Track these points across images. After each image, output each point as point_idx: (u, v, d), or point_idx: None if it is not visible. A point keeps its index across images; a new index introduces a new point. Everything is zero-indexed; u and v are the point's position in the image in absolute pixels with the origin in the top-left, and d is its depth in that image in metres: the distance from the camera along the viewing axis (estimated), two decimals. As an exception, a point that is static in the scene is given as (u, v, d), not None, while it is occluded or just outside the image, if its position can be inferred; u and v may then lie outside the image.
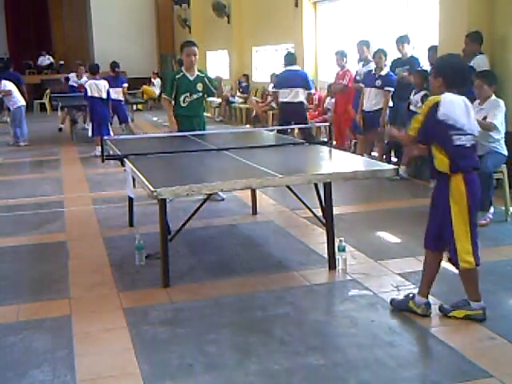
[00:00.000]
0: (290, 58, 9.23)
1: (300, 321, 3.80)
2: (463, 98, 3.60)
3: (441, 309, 3.76)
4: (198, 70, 6.82)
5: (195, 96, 6.74)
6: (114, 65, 12.73)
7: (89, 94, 10.49)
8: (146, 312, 3.98)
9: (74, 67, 17.53)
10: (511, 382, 3.04)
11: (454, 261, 3.63)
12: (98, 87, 10.51)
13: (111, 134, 10.26)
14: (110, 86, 10.90)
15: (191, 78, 6.70)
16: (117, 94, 11.73)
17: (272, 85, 9.64)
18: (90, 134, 10.76)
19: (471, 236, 3.53)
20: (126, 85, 12.45)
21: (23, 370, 3.30)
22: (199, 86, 6.72)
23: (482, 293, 3.71)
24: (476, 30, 7.03)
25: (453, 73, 3.61)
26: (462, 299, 3.74)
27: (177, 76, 6.75)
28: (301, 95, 8.96)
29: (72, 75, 15.14)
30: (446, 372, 3.16)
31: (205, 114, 7.16)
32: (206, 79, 6.79)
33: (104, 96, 10.52)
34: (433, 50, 7.98)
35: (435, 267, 3.73)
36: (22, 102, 12.35)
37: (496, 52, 7.19)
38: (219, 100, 16.27)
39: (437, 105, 3.49)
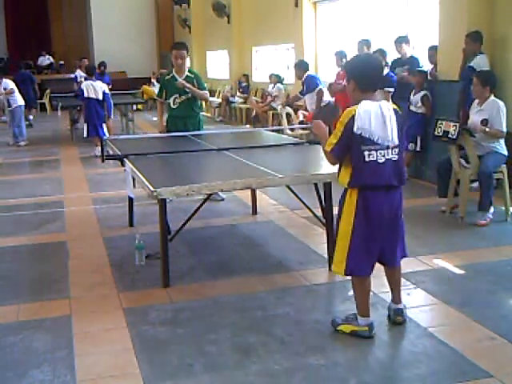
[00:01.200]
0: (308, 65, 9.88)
1: (300, 321, 3.80)
2: (380, 104, 3.37)
3: (332, 322, 3.65)
4: (189, 71, 6.85)
5: (184, 97, 6.73)
6: (101, 64, 13.41)
7: (85, 94, 10.53)
8: (146, 312, 3.98)
9: (74, 66, 17.57)
10: (511, 382, 3.04)
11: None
12: (94, 88, 10.57)
13: (106, 134, 10.26)
14: None
15: (179, 80, 6.71)
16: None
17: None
18: (85, 134, 10.77)
19: (349, 248, 3.42)
20: (109, 86, 12.42)
21: (23, 370, 3.30)
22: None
23: (480, 292, 3.71)
24: (476, 29, 7.03)
25: (363, 74, 3.40)
26: (353, 312, 3.62)
27: (166, 77, 6.85)
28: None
29: (78, 72, 15.20)
30: (446, 372, 3.16)
31: (204, 114, 7.15)
32: (195, 80, 6.78)
33: (100, 97, 10.57)
34: (433, 49, 7.99)
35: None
36: (21, 101, 12.38)
37: (496, 52, 7.19)
38: (219, 100, 16.28)
39: (353, 118, 3.29)
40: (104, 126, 10.70)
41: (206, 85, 7.00)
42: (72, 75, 16.20)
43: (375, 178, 3.34)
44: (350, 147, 3.33)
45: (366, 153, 3.30)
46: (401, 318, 3.65)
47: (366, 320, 3.54)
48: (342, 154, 3.38)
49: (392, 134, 3.34)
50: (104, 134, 10.07)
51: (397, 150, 3.37)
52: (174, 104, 6.78)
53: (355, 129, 3.28)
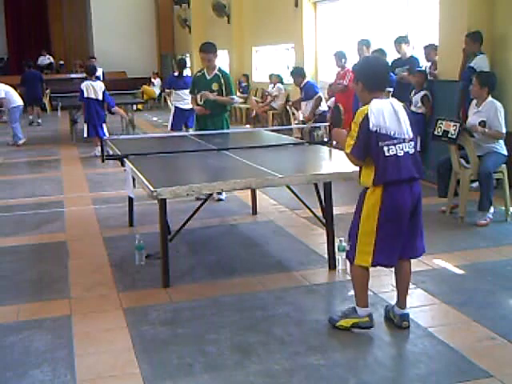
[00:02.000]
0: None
1: (300, 321, 3.80)
2: (390, 101, 3.49)
3: (330, 320, 3.68)
4: (218, 70, 6.93)
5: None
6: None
7: (85, 95, 10.52)
8: (146, 312, 3.98)
9: (74, 67, 17.62)
10: (511, 382, 3.04)
11: (349, 257, 3.61)
12: (94, 88, 10.57)
13: (106, 134, 10.27)
14: None
15: (208, 77, 6.88)
16: None
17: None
18: (85, 134, 10.78)
19: (375, 242, 3.46)
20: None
21: (23, 370, 3.30)
22: (214, 86, 6.83)
23: (480, 292, 3.71)
24: (476, 29, 7.03)
25: (370, 75, 3.50)
26: (349, 307, 3.66)
27: (197, 74, 7.07)
28: None
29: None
30: (446, 372, 3.16)
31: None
32: (222, 80, 6.87)
33: (100, 97, 10.57)
34: (429, 47, 7.99)
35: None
36: (18, 102, 12.40)
37: (496, 52, 7.19)
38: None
39: (367, 116, 3.37)
40: (104, 126, 10.71)
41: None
42: (72, 75, 16.23)
43: (399, 172, 3.40)
44: (369, 146, 3.39)
45: (386, 148, 3.37)
46: (407, 323, 3.64)
47: (365, 310, 3.58)
48: (362, 153, 3.43)
49: (406, 127, 3.44)
50: (104, 135, 10.07)
51: (412, 143, 3.46)
52: (200, 101, 6.91)
53: (371, 126, 3.35)
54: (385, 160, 3.38)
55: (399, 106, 3.50)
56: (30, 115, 16.08)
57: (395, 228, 3.46)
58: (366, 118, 3.37)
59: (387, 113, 3.40)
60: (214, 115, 6.91)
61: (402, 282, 3.70)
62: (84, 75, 14.76)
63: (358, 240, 3.52)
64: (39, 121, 16.16)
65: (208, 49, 6.89)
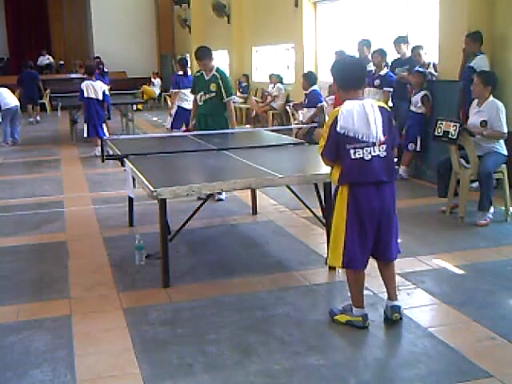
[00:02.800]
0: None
1: (300, 321, 3.80)
2: (363, 102, 3.47)
3: (330, 312, 3.75)
4: (216, 70, 6.94)
5: (208, 96, 6.87)
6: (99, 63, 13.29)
7: (85, 94, 10.52)
8: (146, 312, 3.98)
9: (74, 67, 17.63)
10: (511, 382, 3.04)
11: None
12: (94, 88, 10.57)
13: (106, 134, 10.27)
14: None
15: (206, 78, 6.90)
16: None
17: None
18: (85, 134, 10.79)
19: (344, 242, 3.50)
20: (108, 86, 12.49)
21: (23, 370, 3.30)
22: (212, 87, 6.85)
23: (480, 292, 3.70)
24: (476, 29, 7.03)
25: (343, 75, 3.57)
26: (349, 303, 3.70)
27: (197, 74, 7.10)
28: None
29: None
30: (446, 372, 3.16)
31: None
32: (220, 80, 6.87)
33: (100, 97, 10.57)
34: (416, 49, 7.99)
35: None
36: (12, 103, 12.45)
37: (496, 52, 7.19)
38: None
39: (336, 119, 3.40)
40: (104, 126, 10.71)
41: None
42: (72, 75, 16.27)
43: (363, 175, 3.43)
44: (338, 147, 3.43)
45: (352, 151, 3.41)
46: (398, 314, 3.66)
47: (360, 311, 3.62)
48: (331, 154, 3.49)
49: (376, 131, 3.42)
50: (104, 134, 10.08)
51: (384, 146, 3.45)
52: (200, 101, 6.96)
53: (338, 128, 3.39)
54: (351, 162, 3.41)
55: (373, 107, 3.46)
56: (30, 117, 16.15)
57: (361, 228, 3.49)
58: (336, 120, 3.40)
59: (356, 115, 3.40)
60: (215, 114, 6.92)
61: (386, 279, 3.76)
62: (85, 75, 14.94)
63: (331, 241, 3.60)
64: (38, 118, 16.19)
65: (202, 55, 6.88)
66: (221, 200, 6.87)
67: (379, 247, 3.59)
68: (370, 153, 3.42)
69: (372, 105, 3.48)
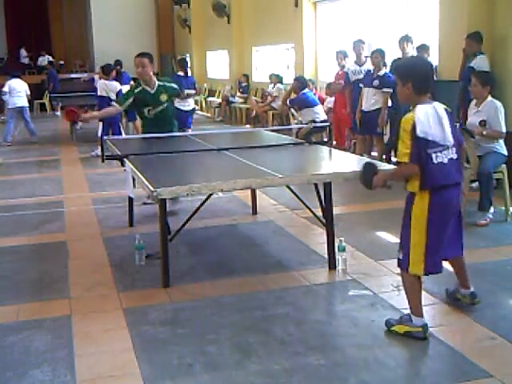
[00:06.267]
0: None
1: (300, 321, 3.80)
2: (434, 105, 3.46)
3: (386, 323, 3.63)
4: (158, 80, 6.34)
5: (160, 108, 6.27)
6: (116, 63, 13.41)
7: (98, 93, 10.70)
8: (146, 312, 3.98)
9: (74, 67, 17.65)
10: (511, 382, 3.04)
11: (402, 266, 3.56)
12: (107, 87, 10.64)
13: (122, 133, 10.38)
14: None
15: (152, 92, 6.23)
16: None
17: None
18: (99, 133, 10.79)
19: (426, 247, 3.47)
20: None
21: (23, 370, 3.30)
22: (163, 97, 6.26)
23: (480, 292, 3.71)
24: (476, 29, 7.03)
25: (421, 76, 3.45)
26: (407, 313, 3.61)
27: (135, 91, 6.28)
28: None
29: (96, 77, 15.26)
30: (446, 372, 3.16)
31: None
32: (165, 89, 6.30)
33: (113, 96, 10.51)
34: (420, 48, 7.96)
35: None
36: (18, 103, 12.59)
37: (496, 52, 7.19)
38: (219, 100, 16.26)
39: (414, 124, 3.34)
40: (121, 124, 10.80)
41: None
42: (72, 75, 16.28)
43: (444, 178, 3.42)
44: (420, 152, 3.36)
45: (434, 155, 3.37)
46: (478, 300, 3.81)
47: (420, 320, 3.52)
48: (418, 158, 3.38)
49: (449, 134, 3.43)
50: (120, 133, 10.28)
51: (454, 148, 3.47)
52: (148, 114, 6.30)
53: (418, 133, 3.33)
54: (433, 166, 3.37)
55: (442, 110, 3.48)
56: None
57: (442, 231, 3.50)
58: (414, 126, 3.34)
59: (432, 119, 3.39)
60: (169, 124, 6.44)
61: (460, 270, 3.85)
62: (84, 74, 15.04)
63: (412, 249, 3.49)
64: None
65: (143, 54, 6.33)
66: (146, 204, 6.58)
67: (453, 244, 3.67)
68: (447, 156, 3.41)
69: (440, 107, 3.49)
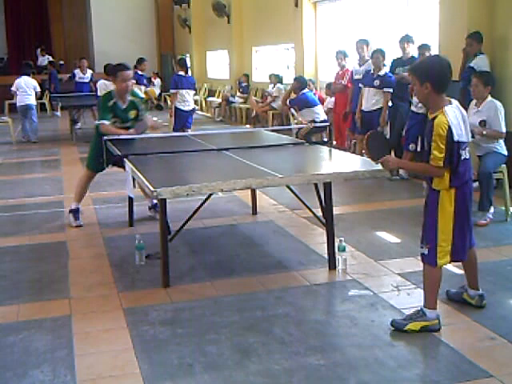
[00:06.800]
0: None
1: (300, 321, 3.80)
2: (457, 105, 3.56)
3: (393, 323, 3.62)
4: (132, 95, 5.97)
5: (128, 124, 5.95)
6: (140, 60, 12.97)
7: (98, 93, 11.08)
8: (146, 312, 3.98)
9: (74, 67, 17.59)
10: (511, 382, 3.04)
11: (428, 261, 3.62)
12: (107, 87, 10.69)
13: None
14: None
15: (123, 107, 5.89)
16: None
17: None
18: None
19: (453, 237, 3.57)
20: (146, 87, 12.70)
21: (23, 370, 3.30)
22: (132, 114, 5.93)
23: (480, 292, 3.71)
24: (476, 29, 7.03)
25: (440, 76, 3.48)
26: (415, 310, 3.65)
27: (110, 100, 5.86)
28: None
29: (77, 71, 15.34)
30: (446, 372, 3.16)
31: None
32: (137, 104, 5.99)
33: None
34: (422, 48, 7.94)
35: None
36: (24, 102, 12.74)
37: (496, 52, 7.19)
38: (219, 100, 16.26)
39: (450, 129, 3.40)
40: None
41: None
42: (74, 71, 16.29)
43: (469, 173, 3.60)
44: (453, 154, 3.47)
45: (463, 152, 3.52)
46: (485, 302, 3.85)
47: (435, 312, 3.61)
48: (450, 162, 3.48)
49: (468, 131, 3.61)
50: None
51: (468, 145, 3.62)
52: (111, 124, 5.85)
53: (455, 138, 3.44)
54: (461, 163, 3.50)
55: (461, 108, 3.59)
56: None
57: (466, 222, 3.62)
58: (450, 131, 3.40)
59: (460, 120, 3.51)
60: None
61: (472, 268, 3.87)
62: (79, 75, 15.16)
63: (438, 242, 3.56)
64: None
65: (129, 67, 5.98)
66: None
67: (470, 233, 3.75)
68: (468, 152, 3.57)
69: (461, 108, 3.60)
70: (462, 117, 3.54)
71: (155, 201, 6.03)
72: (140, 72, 12.37)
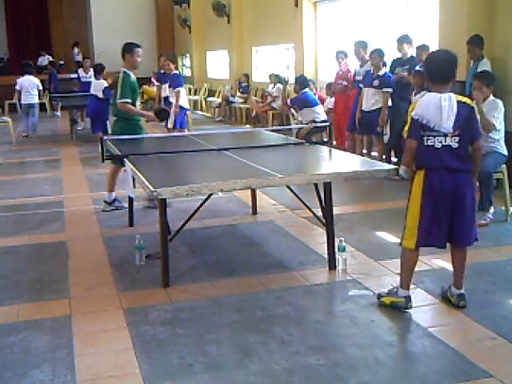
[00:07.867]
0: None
1: (300, 321, 3.80)
2: (442, 95, 3.65)
3: (378, 295, 4.00)
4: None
5: (137, 103, 6.42)
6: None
7: (91, 91, 11.39)
8: (146, 312, 3.98)
9: (74, 67, 17.66)
10: (511, 382, 3.04)
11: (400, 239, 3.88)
12: (95, 86, 11.26)
13: (108, 130, 10.48)
14: None
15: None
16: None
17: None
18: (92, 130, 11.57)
19: (419, 222, 3.73)
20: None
21: (23, 370, 3.30)
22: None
23: (480, 292, 3.71)
24: (476, 30, 7.02)
25: (432, 67, 3.75)
26: (395, 286, 3.95)
27: (131, 79, 6.35)
28: None
29: (80, 70, 15.42)
30: (446, 372, 3.16)
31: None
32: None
33: (100, 95, 11.08)
34: (420, 49, 7.95)
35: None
36: (26, 100, 13.19)
37: (496, 53, 7.19)
38: (219, 100, 16.25)
39: (414, 107, 3.72)
40: (108, 122, 11.05)
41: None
42: (72, 75, 16.37)
43: (434, 161, 3.68)
44: (417, 133, 3.69)
45: (425, 138, 3.68)
46: (464, 302, 3.87)
47: (404, 292, 3.85)
48: (416, 135, 3.71)
49: (447, 123, 3.62)
50: (99, 131, 10.79)
51: (457, 138, 3.67)
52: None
53: (413, 115, 3.68)
54: (424, 148, 3.69)
55: (450, 101, 3.64)
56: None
57: (435, 211, 3.70)
58: (414, 108, 3.70)
59: (432, 106, 3.64)
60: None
61: (456, 267, 3.96)
62: (82, 74, 15.28)
63: (406, 223, 3.80)
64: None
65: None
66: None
67: (453, 232, 3.79)
68: (441, 142, 3.66)
69: (450, 98, 3.66)
70: (439, 105, 3.62)
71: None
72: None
